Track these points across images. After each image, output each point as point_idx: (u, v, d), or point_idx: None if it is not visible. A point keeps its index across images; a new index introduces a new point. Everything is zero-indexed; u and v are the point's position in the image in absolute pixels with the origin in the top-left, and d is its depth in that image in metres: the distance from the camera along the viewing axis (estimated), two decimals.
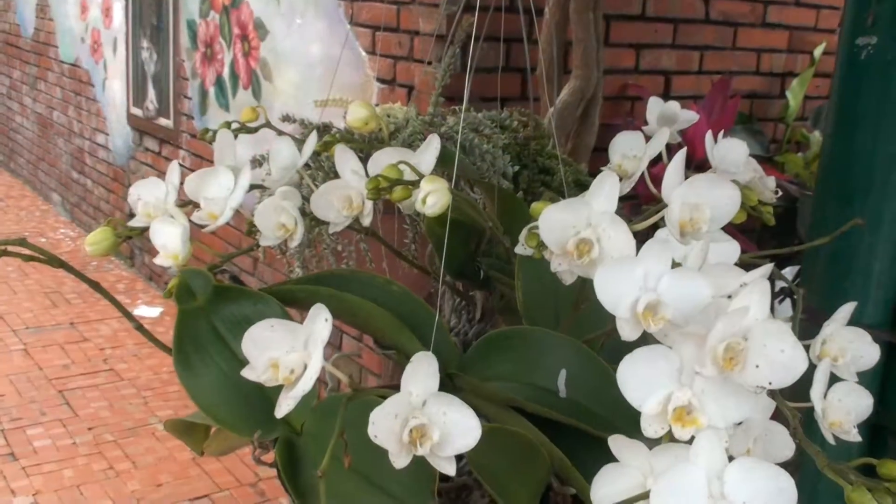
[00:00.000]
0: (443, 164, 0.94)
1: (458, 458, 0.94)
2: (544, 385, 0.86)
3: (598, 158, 1.24)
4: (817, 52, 2.78)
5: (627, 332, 0.67)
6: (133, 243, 4.49)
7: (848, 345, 0.84)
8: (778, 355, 0.61)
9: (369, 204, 0.89)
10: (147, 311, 4.04)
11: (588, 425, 0.80)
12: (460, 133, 1.03)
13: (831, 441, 0.77)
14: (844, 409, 0.80)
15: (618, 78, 2.52)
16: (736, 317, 0.61)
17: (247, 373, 0.69)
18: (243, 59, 3.32)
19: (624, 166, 0.96)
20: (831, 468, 0.60)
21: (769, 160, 2.43)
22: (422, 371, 0.67)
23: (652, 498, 0.58)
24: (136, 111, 4.36)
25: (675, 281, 0.67)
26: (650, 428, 0.63)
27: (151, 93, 4.18)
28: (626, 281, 0.67)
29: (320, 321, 0.67)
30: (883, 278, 1.22)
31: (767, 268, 0.65)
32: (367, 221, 0.90)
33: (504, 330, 0.90)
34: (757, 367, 0.61)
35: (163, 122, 4.06)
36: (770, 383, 0.61)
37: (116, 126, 4.67)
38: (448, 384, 0.91)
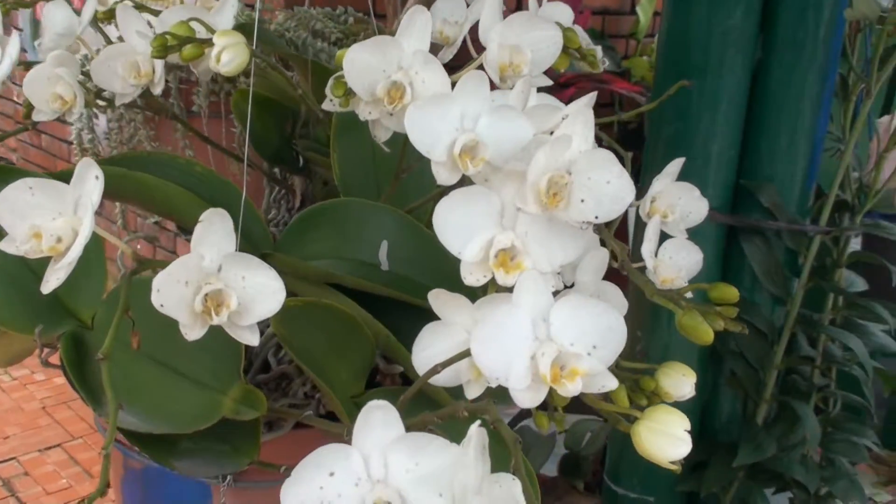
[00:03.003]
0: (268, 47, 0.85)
1: (278, 348, 0.88)
2: (365, 259, 0.79)
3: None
4: None
5: (444, 177, 0.60)
6: None
7: (677, 201, 0.81)
8: (604, 187, 0.56)
9: (159, 68, 0.78)
10: None
11: (412, 296, 0.74)
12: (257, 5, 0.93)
13: None
14: (675, 266, 0.78)
15: None
16: (558, 147, 0.55)
17: (5, 245, 0.58)
18: None
19: (445, 32, 0.90)
20: (661, 295, 0.56)
21: (620, 74, 2.43)
22: (215, 231, 0.58)
23: (472, 344, 0.52)
24: None
25: (493, 120, 0.61)
26: (471, 276, 0.57)
27: None
28: (441, 121, 0.60)
29: (90, 180, 0.57)
30: (723, 160, 1.19)
31: (591, 97, 0.59)
32: (157, 90, 0.79)
33: (320, 204, 0.82)
34: (582, 201, 0.56)
35: None
36: (596, 217, 0.56)
37: None
38: None
